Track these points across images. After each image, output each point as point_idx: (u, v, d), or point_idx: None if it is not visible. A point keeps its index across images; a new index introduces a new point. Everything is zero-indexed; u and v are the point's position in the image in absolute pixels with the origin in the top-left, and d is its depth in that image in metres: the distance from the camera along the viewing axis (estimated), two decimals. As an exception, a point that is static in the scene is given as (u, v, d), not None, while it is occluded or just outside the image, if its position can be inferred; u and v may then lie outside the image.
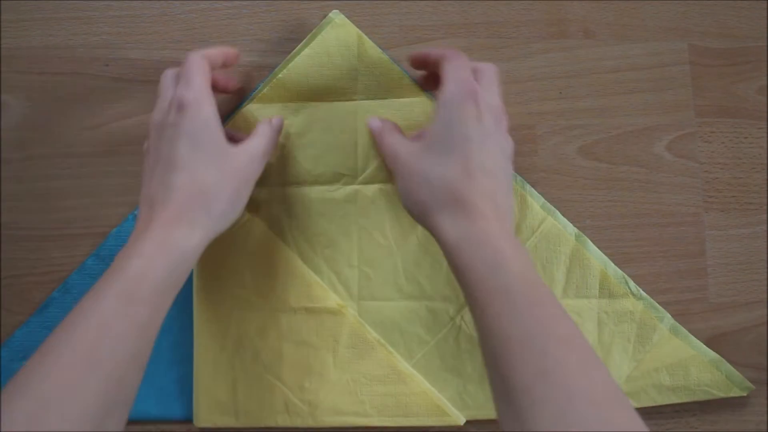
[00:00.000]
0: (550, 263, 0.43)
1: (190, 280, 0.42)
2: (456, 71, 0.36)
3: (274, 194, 0.43)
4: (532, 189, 0.44)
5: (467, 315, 0.43)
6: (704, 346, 0.43)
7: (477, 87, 0.36)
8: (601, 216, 0.45)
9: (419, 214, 0.36)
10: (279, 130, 0.41)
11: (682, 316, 0.44)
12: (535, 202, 0.44)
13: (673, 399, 0.43)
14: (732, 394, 0.43)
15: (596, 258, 0.43)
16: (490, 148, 0.35)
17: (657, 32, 0.46)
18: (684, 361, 0.43)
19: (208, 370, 0.42)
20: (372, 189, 0.43)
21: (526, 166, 0.45)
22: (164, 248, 0.32)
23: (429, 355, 0.43)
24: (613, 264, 0.44)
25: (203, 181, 0.34)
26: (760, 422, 0.44)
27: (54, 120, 0.44)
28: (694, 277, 0.45)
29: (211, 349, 0.42)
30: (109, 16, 0.45)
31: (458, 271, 0.34)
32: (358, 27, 0.43)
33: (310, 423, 0.41)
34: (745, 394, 0.43)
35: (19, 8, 0.44)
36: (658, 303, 0.44)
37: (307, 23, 0.45)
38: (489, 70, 0.37)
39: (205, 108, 0.35)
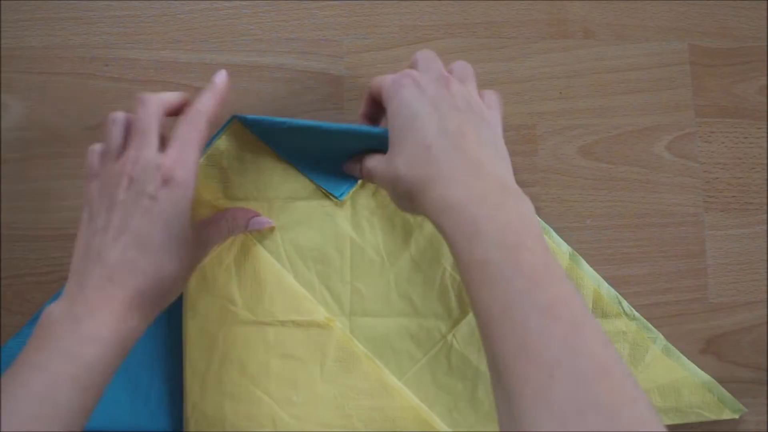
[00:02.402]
0: None
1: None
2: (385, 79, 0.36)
3: (267, 208, 0.43)
4: None
5: (459, 333, 0.42)
6: (697, 367, 0.43)
7: (409, 71, 0.35)
8: (601, 216, 0.45)
9: (414, 211, 0.35)
10: (243, 228, 0.41)
11: (682, 316, 0.44)
12: None
13: (665, 421, 0.42)
14: (724, 417, 0.42)
15: (590, 277, 0.43)
16: (445, 110, 0.33)
17: (657, 32, 0.46)
18: (676, 383, 0.42)
19: (196, 384, 0.41)
20: (365, 204, 0.43)
21: (526, 166, 0.45)
22: (120, 337, 0.31)
23: (420, 372, 0.42)
24: (606, 283, 0.43)
25: (167, 273, 0.34)
26: (760, 422, 0.44)
27: (54, 120, 0.44)
28: (694, 277, 0.45)
29: (199, 363, 0.41)
30: (109, 16, 0.45)
31: (448, 246, 0.31)
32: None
33: None
34: (737, 417, 0.42)
35: (19, 8, 0.44)
36: (658, 303, 0.44)
37: (307, 23, 0.45)
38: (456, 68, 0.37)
39: (189, 192, 0.34)
